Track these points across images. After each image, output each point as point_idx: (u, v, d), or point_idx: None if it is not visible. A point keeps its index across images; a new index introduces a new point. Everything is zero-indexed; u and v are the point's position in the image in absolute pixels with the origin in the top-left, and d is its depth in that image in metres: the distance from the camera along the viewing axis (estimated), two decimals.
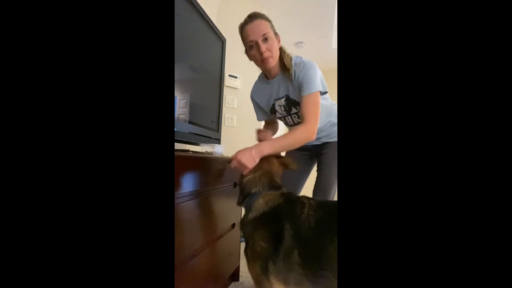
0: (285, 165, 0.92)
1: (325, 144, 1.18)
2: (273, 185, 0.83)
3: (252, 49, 1.02)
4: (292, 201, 0.77)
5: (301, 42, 2.91)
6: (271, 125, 1.31)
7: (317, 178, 1.19)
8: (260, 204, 0.77)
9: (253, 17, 0.99)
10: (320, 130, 1.14)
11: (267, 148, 0.87)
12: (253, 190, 0.81)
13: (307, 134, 0.94)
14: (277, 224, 0.71)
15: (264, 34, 0.98)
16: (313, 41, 2.90)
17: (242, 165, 0.84)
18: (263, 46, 0.99)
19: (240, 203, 0.86)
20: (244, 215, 0.81)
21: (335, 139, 1.18)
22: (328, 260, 0.64)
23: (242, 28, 1.02)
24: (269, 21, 1.02)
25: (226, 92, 1.99)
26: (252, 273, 0.75)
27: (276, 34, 1.03)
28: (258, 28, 0.98)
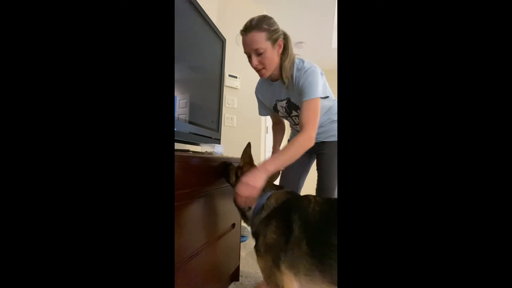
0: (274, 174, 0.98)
1: (324, 143, 1.18)
2: (275, 186, 0.91)
3: (249, 59, 1.02)
4: (299, 196, 0.84)
5: (301, 42, 2.91)
6: (278, 126, 1.32)
7: (318, 179, 1.20)
8: (271, 202, 0.83)
9: (248, 29, 0.96)
10: (319, 127, 1.14)
11: (272, 166, 0.86)
12: (261, 193, 0.85)
13: (306, 142, 0.94)
14: (287, 216, 0.76)
15: (256, 50, 0.96)
16: (313, 41, 2.90)
17: (252, 189, 0.81)
18: (255, 60, 0.99)
19: (246, 212, 0.89)
20: (255, 219, 0.85)
21: (333, 138, 1.18)
22: (333, 249, 0.68)
23: (241, 36, 1.01)
24: (267, 30, 0.96)
25: (226, 92, 1.99)
26: (263, 266, 0.78)
27: (275, 41, 0.99)
28: (251, 42, 0.96)
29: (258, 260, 0.80)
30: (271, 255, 0.74)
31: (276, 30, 0.99)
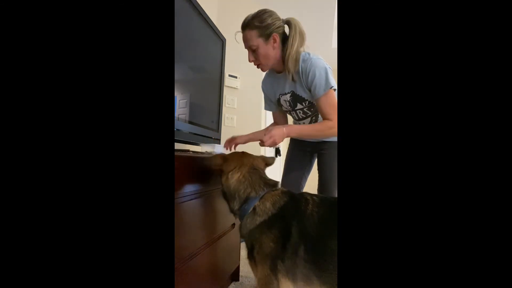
0: (266, 162, 0.90)
1: (325, 142, 1.18)
2: (268, 183, 0.81)
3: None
4: (296, 198, 0.78)
5: None
6: (281, 120, 1.29)
7: (319, 179, 1.20)
8: (268, 207, 0.76)
9: (242, 27, 1.03)
10: None
11: (294, 131, 1.02)
12: (252, 194, 0.79)
13: (331, 130, 1.00)
14: (285, 223, 0.73)
15: (249, 46, 1.02)
16: (313, 41, 2.90)
17: (274, 142, 0.94)
18: (250, 56, 1.05)
19: (235, 210, 0.81)
20: (246, 221, 0.78)
21: (334, 138, 1.18)
22: (331, 255, 0.66)
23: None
24: (257, 27, 0.98)
25: (226, 92, 1.99)
26: (259, 275, 0.74)
27: (268, 36, 0.99)
28: (245, 40, 1.03)
29: (253, 269, 0.76)
30: (268, 264, 0.71)
31: (269, 26, 0.99)
